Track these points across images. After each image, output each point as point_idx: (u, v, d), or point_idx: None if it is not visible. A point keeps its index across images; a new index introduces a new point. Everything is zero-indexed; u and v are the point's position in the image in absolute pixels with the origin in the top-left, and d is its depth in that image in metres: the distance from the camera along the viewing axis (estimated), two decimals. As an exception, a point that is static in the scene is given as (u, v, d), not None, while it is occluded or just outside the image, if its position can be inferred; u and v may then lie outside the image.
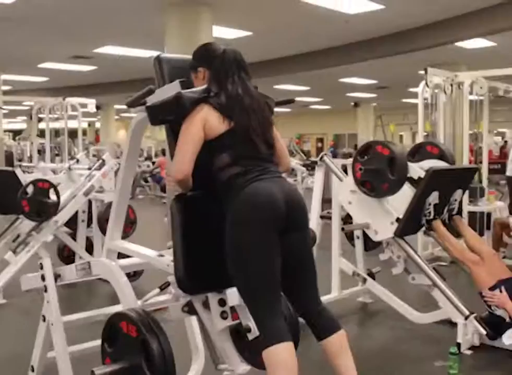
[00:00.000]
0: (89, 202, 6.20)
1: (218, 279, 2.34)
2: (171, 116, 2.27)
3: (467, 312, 3.79)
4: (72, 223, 6.27)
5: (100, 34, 8.87)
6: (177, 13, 6.68)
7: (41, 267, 2.74)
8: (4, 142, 14.18)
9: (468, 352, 3.75)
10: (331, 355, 2.30)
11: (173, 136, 2.35)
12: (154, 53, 2.65)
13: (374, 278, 4.93)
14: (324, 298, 4.59)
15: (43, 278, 2.74)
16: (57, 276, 2.78)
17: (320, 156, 4.57)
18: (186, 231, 2.30)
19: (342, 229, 4.37)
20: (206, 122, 2.22)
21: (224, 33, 8.48)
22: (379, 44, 9.94)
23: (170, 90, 2.28)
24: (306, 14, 8.03)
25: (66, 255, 6.45)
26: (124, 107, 2.58)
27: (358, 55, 10.49)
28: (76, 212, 6.21)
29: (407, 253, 4.05)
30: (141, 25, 7.68)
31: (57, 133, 10.28)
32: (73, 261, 6.13)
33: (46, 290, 2.73)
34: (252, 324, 2.58)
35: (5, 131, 19.51)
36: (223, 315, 2.35)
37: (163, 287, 2.42)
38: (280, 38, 9.73)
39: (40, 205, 5.29)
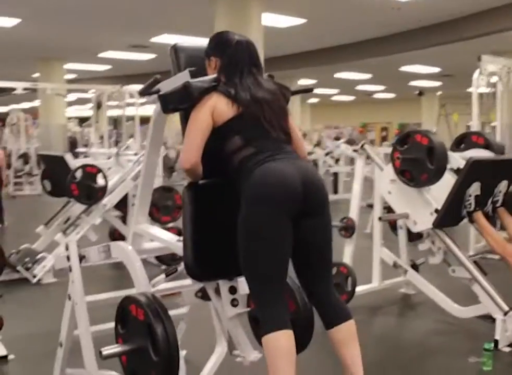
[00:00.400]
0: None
1: (228, 267, 2.33)
2: (181, 105, 2.28)
3: (506, 308, 3.65)
4: (123, 206, 6.44)
5: (157, 23, 9.00)
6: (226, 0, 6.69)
7: (67, 249, 2.82)
8: (69, 128, 14.64)
9: (507, 349, 3.61)
10: (338, 344, 2.26)
11: (186, 124, 2.36)
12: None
13: (417, 270, 4.81)
14: (364, 288, 4.59)
15: (68, 258, 2.81)
16: (81, 257, 2.84)
17: (361, 144, 4.49)
18: (196, 219, 2.30)
19: (380, 219, 4.29)
20: (214, 109, 2.22)
21: (276, 21, 8.43)
22: (434, 31, 9.65)
23: (180, 79, 2.29)
24: (358, 1, 7.89)
25: (117, 238, 6.62)
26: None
27: (413, 43, 10.23)
28: (127, 196, 6.37)
29: (447, 245, 3.94)
30: (194, 14, 7.73)
31: (115, 120, 10.55)
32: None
33: (70, 270, 2.80)
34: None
35: (74, 118, 20.16)
36: (233, 303, 2.34)
37: (169, 273, 2.43)
38: (335, 26, 9.61)
39: (89, 189, 5.46)
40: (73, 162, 5.69)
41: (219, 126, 2.24)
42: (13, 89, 9.52)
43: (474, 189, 3.81)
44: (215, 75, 2.29)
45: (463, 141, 4.51)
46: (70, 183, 5.34)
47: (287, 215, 2.16)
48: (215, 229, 2.32)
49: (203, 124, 2.22)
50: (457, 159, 3.88)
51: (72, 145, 14.70)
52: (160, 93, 2.30)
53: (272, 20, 8.24)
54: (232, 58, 2.29)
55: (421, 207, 3.97)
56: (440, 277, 4.45)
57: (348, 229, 4.47)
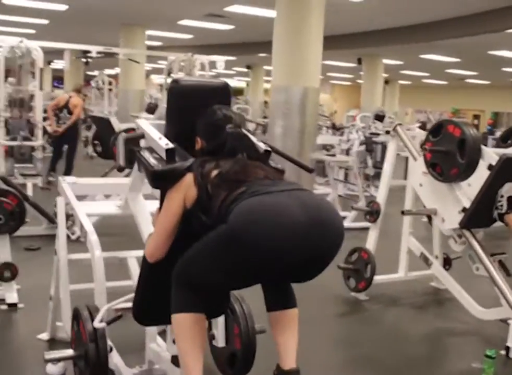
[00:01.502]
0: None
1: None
2: (154, 186, 2.19)
3: (522, 312, 3.39)
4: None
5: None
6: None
7: (55, 206, 2.87)
8: (151, 94, 14.92)
9: (520, 357, 3.38)
10: (275, 330, 2.18)
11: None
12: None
13: (450, 264, 4.59)
14: (389, 277, 4.42)
15: (55, 215, 2.87)
16: (69, 216, 2.89)
17: (393, 126, 4.26)
18: (151, 273, 2.23)
19: (402, 213, 4.07)
20: (189, 189, 2.01)
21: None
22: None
23: (158, 148, 2.17)
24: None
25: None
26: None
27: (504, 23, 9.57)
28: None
29: (471, 245, 3.68)
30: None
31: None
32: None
33: (56, 227, 2.85)
34: (217, 332, 2.62)
35: (158, 85, 20.57)
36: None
37: (112, 321, 2.40)
38: (411, 3, 9.15)
39: (130, 153, 5.53)
40: (119, 125, 5.78)
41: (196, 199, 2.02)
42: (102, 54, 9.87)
43: (507, 189, 3.54)
44: (191, 160, 2.08)
45: (510, 136, 4.20)
46: (113, 145, 5.43)
47: (266, 270, 1.86)
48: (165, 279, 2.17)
49: (173, 217, 2.03)
50: (490, 155, 3.60)
51: (152, 110, 15.00)
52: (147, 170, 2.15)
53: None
54: (218, 146, 2.09)
55: (450, 204, 3.72)
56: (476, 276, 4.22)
57: (373, 213, 4.29)
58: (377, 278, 4.30)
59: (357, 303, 4.22)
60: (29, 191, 7.26)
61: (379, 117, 10.14)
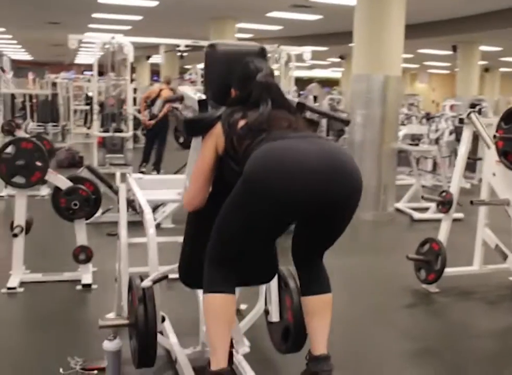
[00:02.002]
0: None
1: None
2: (189, 136, 2.31)
3: None
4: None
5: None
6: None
7: (116, 193, 3.00)
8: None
9: None
10: (308, 315, 2.16)
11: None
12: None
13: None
14: (462, 269, 4.27)
15: (118, 202, 3.00)
16: (130, 201, 3.02)
17: (467, 113, 4.09)
18: (197, 230, 2.29)
19: (471, 202, 3.90)
20: (218, 138, 2.09)
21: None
22: None
23: (193, 102, 2.29)
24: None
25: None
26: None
27: None
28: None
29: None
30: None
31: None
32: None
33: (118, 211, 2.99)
34: (271, 308, 2.62)
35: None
36: None
37: (156, 281, 2.46)
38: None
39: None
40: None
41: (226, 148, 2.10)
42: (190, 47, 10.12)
43: None
44: (223, 109, 2.15)
45: None
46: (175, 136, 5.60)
47: (289, 216, 1.95)
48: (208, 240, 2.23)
49: (206, 165, 2.12)
50: None
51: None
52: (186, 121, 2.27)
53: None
54: (249, 95, 2.13)
55: (524, 194, 3.55)
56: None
57: (445, 204, 4.15)
58: (450, 270, 4.17)
59: (427, 295, 4.10)
60: (117, 181, 7.59)
61: (474, 107, 9.76)
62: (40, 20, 13.85)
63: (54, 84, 14.95)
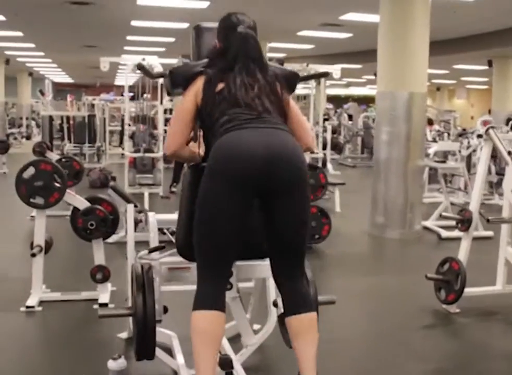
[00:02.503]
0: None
1: None
2: (172, 90, 2.39)
3: None
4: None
5: (341, 2, 8.93)
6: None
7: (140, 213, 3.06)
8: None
9: None
10: (291, 335, 2.14)
11: None
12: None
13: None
14: (484, 289, 4.17)
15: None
16: (137, 222, 3.07)
17: (486, 128, 4.02)
18: (192, 201, 2.31)
19: (487, 221, 3.81)
20: (197, 93, 2.24)
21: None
22: None
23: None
24: None
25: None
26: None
27: None
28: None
29: None
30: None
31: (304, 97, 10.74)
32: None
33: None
34: (279, 300, 2.54)
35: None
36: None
37: (154, 250, 2.48)
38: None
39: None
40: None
41: (201, 107, 2.26)
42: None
43: None
44: (206, 60, 2.31)
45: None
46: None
47: (241, 193, 2.10)
48: None
49: (184, 111, 2.28)
50: None
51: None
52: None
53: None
54: (226, 49, 2.27)
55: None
56: None
57: (464, 222, 4.06)
58: (471, 290, 4.07)
59: (446, 316, 4.01)
60: (146, 200, 7.70)
61: (508, 122, 9.56)
62: (77, 44, 14.22)
63: (92, 106, 15.32)
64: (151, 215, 2.77)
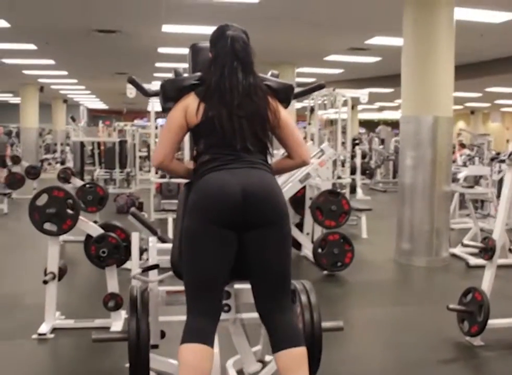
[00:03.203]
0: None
1: None
2: (164, 104, 2.33)
3: None
4: (301, 209, 6.53)
5: (368, 26, 8.88)
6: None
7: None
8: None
9: None
10: (281, 371, 2.03)
11: None
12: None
13: None
14: (510, 321, 3.98)
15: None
16: (143, 250, 3.02)
17: (509, 154, 3.87)
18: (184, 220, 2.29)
19: (510, 250, 3.65)
20: (187, 110, 2.22)
21: (480, 16, 7.59)
22: None
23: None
24: None
25: (293, 240, 6.70)
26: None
27: None
28: (304, 199, 6.42)
29: None
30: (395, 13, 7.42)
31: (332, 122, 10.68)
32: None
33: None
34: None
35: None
36: (224, 308, 2.26)
37: (147, 269, 2.43)
38: None
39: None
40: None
41: (191, 128, 2.26)
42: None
43: None
44: (199, 73, 2.26)
45: None
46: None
47: (218, 226, 2.12)
48: None
49: (172, 124, 2.25)
50: None
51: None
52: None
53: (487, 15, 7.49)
54: (216, 55, 2.26)
55: None
56: None
57: (488, 251, 3.90)
58: (496, 322, 3.90)
59: (469, 349, 3.83)
60: (170, 226, 7.67)
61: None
62: (108, 71, 14.46)
63: (121, 131, 15.51)
64: (151, 240, 2.73)
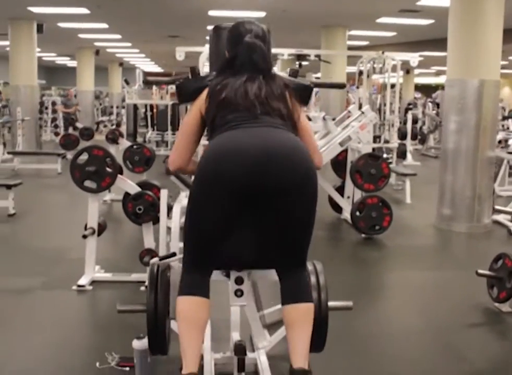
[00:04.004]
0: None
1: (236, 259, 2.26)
2: (180, 103, 2.47)
3: None
4: (343, 172, 6.55)
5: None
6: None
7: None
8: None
9: None
10: (287, 323, 2.11)
11: None
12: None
13: None
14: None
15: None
16: (170, 207, 3.14)
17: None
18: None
19: None
20: (202, 106, 2.20)
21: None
22: None
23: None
24: None
25: (334, 203, 6.72)
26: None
27: None
28: (346, 162, 6.44)
29: None
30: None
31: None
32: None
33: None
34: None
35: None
36: (237, 293, 2.31)
37: (163, 258, 2.51)
38: None
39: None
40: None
41: (207, 118, 2.22)
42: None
43: None
44: (214, 73, 2.28)
45: None
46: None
47: (228, 199, 2.02)
48: None
49: (188, 127, 2.25)
50: None
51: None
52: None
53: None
54: (235, 56, 2.21)
55: None
56: None
57: (519, 217, 3.86)
58: (525, 289, 3.87)
59: (497, 314, 3.84)
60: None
61: None
62: (161, 34, 14.57)
63: (173, 94, 15.68)
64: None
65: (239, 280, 2.31)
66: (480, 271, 3.93)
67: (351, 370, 3.02)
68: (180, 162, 2.26)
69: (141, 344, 2.79)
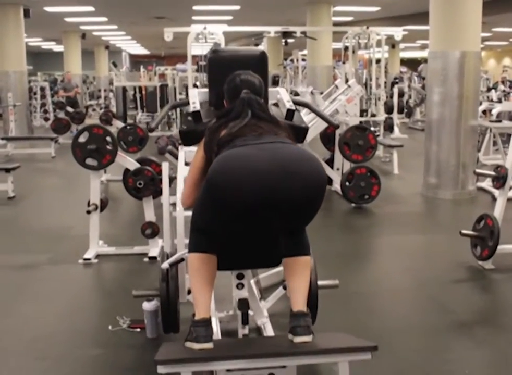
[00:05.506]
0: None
1: (237, 260, 2.54)
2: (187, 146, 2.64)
3: None
4: (331, 146, 6.76)
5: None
6: None
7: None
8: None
9: None
10: (287, 274, 2.33)
11: None
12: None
13: None
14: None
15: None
16: (172, 179, 3.35)
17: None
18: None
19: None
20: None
21: None
22: None
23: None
24: None
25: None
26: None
27: None
28: (334, 135, 6.64)
29: None
30: None
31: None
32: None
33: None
34: None
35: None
36: (238, 287, 2.58)
37: (173, 264, 2.72)
38: None
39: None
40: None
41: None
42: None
43: None
44: (214, 119, 2.37)
45: None
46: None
47: (242, 210, 2.06)
48: None
49: (196, 169, 2.37)
50: None
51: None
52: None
53: None
54: (234, 108, 2.32)
55: None
56: None
57: (499, 179, 4.09)
58: (506, 247, 4.13)
59: (480, 271, 4.10)
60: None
61: None
62: (147, 15, 14.61)
63: (162, 76, 15.79)
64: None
65: (240, 276, 2.58)
66: (463, 231, 4.17)
67: (341, 325, 3.25)
68: (190, 201, 2.41)
69: (150, 305, 3.02)
